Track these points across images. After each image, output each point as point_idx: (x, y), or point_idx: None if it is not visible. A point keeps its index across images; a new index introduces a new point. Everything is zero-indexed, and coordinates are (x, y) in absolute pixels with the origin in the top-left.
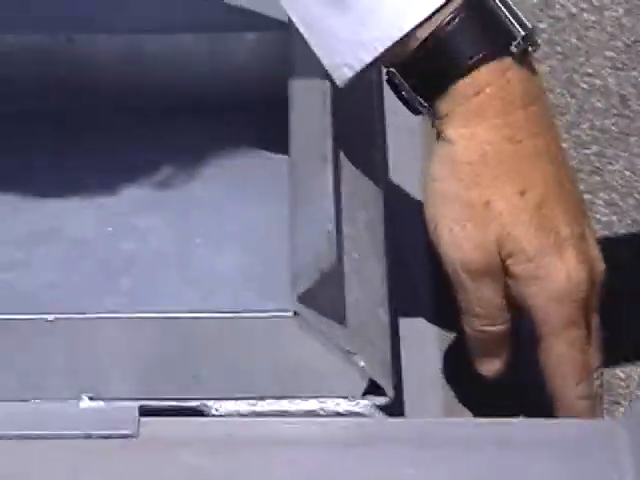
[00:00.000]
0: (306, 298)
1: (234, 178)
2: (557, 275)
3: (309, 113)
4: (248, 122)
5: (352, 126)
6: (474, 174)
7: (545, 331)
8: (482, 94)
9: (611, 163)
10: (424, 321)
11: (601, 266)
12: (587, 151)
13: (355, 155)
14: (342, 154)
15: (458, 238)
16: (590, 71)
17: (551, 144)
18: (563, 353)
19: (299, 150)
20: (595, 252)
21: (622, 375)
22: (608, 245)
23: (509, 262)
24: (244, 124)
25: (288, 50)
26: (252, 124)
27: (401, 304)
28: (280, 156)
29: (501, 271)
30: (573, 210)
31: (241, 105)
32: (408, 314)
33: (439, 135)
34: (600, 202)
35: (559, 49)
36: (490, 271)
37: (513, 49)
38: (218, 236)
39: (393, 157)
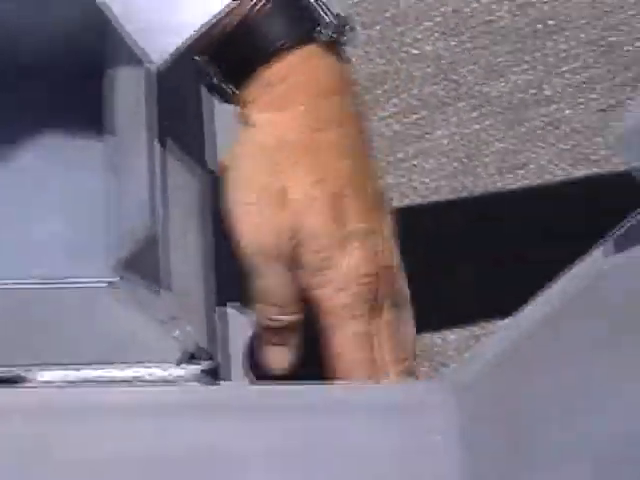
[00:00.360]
0: (123, 268)
1: (58, 147)
2: (343, 267)
3: (130, 85)
4: (78, 90)
5: (177, 102)
6: (273, 160)
7: (329, 322)
8: (286, 82)
9: (439, 128)
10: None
11: (392, 262)
12: (416, 116)
13: (179, 128)
14: (166, 127)
15: (254, 223)
16: (419, 37)
17: (354, 135)
18: (345, 345)
19: (121, 120)
20: (387, 247)
21: (439, 341)
22: (436, 210)
23: (300, 251)
24: (72, 92)
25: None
26: (82, 92)
27: (227, 278)
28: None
29: (292, 259)
30: (368, 204)
31: (69, 72)
32: (233, 289)
33: (245, 121)
34: (428, 167)
35: (388, 14)
36: (282, 258)
37: (321, 37)
38: (39, 206)
39: (221, 137)
